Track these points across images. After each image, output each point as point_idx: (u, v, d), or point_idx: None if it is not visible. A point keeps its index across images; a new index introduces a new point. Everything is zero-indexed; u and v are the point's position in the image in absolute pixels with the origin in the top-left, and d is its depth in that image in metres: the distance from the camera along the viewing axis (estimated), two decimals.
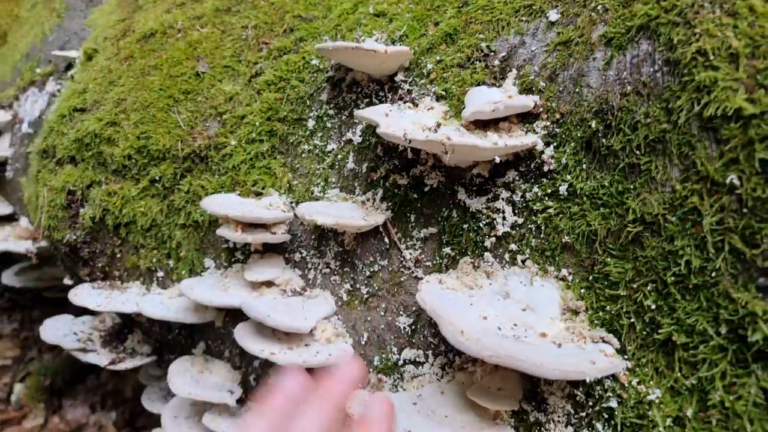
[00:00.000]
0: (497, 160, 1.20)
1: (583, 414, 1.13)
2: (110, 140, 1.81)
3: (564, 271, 1.20)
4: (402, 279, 1.43)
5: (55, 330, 1.95)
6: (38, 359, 3.79)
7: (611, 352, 1.06)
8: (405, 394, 1.31)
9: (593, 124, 1.16)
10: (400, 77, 1.51)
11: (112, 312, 1.71)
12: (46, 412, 3.53)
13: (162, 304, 1.68)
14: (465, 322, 1.11)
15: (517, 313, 1.17)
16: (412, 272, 1.42)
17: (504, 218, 1.29)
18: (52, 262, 2.65)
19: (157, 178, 1.76)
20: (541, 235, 1.23)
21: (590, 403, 1.12)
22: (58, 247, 1.90)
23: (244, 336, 1.45)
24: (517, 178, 1.28)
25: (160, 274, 1.81)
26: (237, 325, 1.51)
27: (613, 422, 1.09)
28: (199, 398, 1.58)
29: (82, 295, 1.77)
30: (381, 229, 1.48)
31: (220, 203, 1.57)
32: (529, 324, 1.15)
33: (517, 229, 1.27)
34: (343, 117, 1.60)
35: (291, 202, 1.63)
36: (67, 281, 2.37)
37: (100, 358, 1.82)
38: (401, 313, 1.42)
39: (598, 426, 1.10)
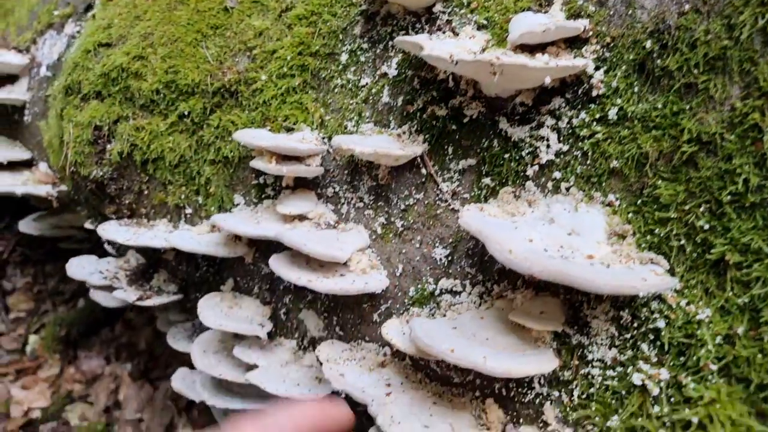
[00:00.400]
0: (547, 81, 1.17)
1: (628, 336, 1.13)
2: (137, 74, 1.78)
3: (611, 197, 1.19)
4: (438, 212, 1.42)
5: (81, 268, 1.94)
6: (52, 311, 3.81)
7: (661, 272, 1.06)
8: (443, 320, 1.31)
9: (647, 45, 1.14)
10: (438, 7, 1.48)
11: (140, 246, 1.70)
12: (61, 362, 3.57)
13: (192, 238, 1.68)
14: (511, 243, 1.10)
15: (563, 237, 1.17)
16: (449, 204, 1.41)
17: (548, 146, 1.27)
18: (71, 209, 2.64)
19: (186, 113, 1.74)
20: (588, 162, 1.22)
21: (635, 325, 1.12)
22: (84, 184, 1.88)
23: (279, 266, 1.44)
24: (563, 104, 1.26)
25: (188, 210, 1.79)
26: (269, 258, 1.50)
27: (659, 342, 1.09)
28: (230, 330, 1.59)
29: (110, 230, 1.77)
30: (417, 162, 1.46)
31: (253, 135, 1.55)
32: (575, 247, 1.14)
33: (562, 156, 1.25)
34: (378, 51, 1.57)
35: (323, 138, 1.61)
36: (88, 225, 2.36)
37: (128, 294, 1.82)
38: (437, 245, 1.42)
39: (644, 347, 1.11)
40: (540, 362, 1.13)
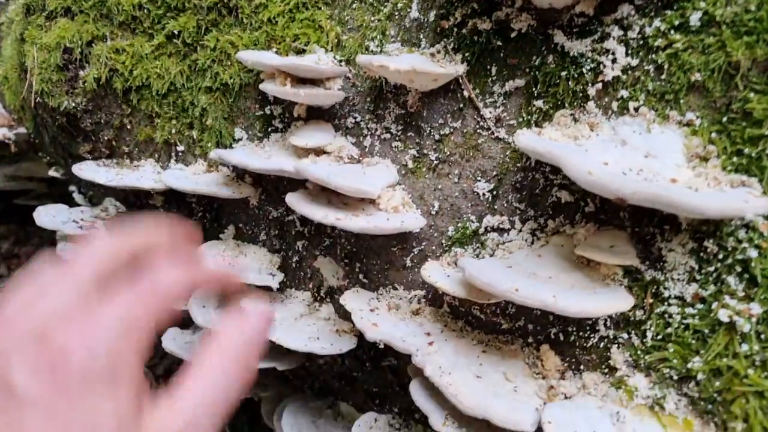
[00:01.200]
0: None
1: (711, 269, 1.01)
2: None
3: (690, 115, 1.05)
4: (479, 141, 1.27)
5: (51, 217, 1.70)
6: (8, 276, 3.49)
7: (758, 194, 0.94)
8: (495, 259, 1.17)
9: None
10: None
11: (126, 187, 1.48)
12: None
13: (188, 178, 1.47)
14: (590, 165, 0.95)
15: (640, 160, 1.03)
16: (492, 133, 1.25)
17: (614, 61, 1.12)
18: (31, 156, 2.36)
19: (176, 33, 1.50)
20: (662, 76, 1.07)
21: (720, 257, 1.00)
22: (53, 119, 1.63)
23: (299, 203, 1.26)
24: (632, 12, 1.10)
25: (181, 148, 1.57)
26: (284, 196, 1.31)
27: (747, 275, 0.98)
28: None
29: (87, 170, 1.53)
30: (452, 86, 1.29)
31: (261, 54, 1.34)
32: (655, 170, 1.01)
33: (630, 72, 1.11)
34: None
35: (340, 61, 1.41)
36: (53, 173, 2.11)
37: None
38: (479, 178, 1.26)
39: (730, 280, 0.99)
40: (616, 299, 1.01)
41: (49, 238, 3.70)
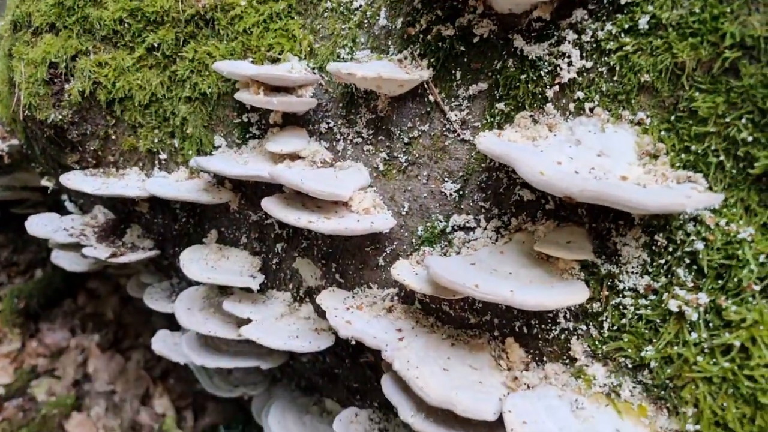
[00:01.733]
0: None
1: (662, 261, 1.06)
2: (97, 1, 1.57)
3: (641, 114, 1.09)
4: (446, 143, 1.31)
5: (43, 226, 1.76)
6: (8, 284, 3.55)
7: (702, 190, 0.98)
8: (460, 257, 1.21)
9: None
10: None
11: (112, 196, 1.53)
12: (22, 336, 3.35)
13: (170, 185, 1.52)
14: (542, 166, 1.00)
15: (592, 158, 1.07)
16: (458, 135, 1.30)
17: (570, 63, 1.16)
18: (24, 167, 2.42)
19: (156, 45, 1.55)
20: (614, 78, 1.12)
21: (670, 250, 1.05)
22: (41, 131, 1.68)
23: (274, 208, 1.31)
24: (585, 17, 1.15)
25: (163, 156, 1.63)
26: (260, 202, 1.36)
27: (696, 266, 1.03)
28: (220, 283, 1.46)
29: (75, 180, 1.58)
30: (420, 90, 1.34)
31: (236, 65, 1.39)
32: (607, 168, 1.05)
33: (585, 74, 1.15)
34: None
35: (313, 68, 1.46)
36: (45, 183, 2.16)
37: (99, 251, 1.65)
38: (446, 179, 1.31)
39: (679, 272, 1.04)
40: (572, 293, 1.05)
41: (45, 246, 3.76)
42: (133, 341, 3.50)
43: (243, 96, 1.36)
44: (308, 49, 1.46)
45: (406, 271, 1.24)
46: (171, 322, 3.46)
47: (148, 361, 3.39)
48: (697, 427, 1.00)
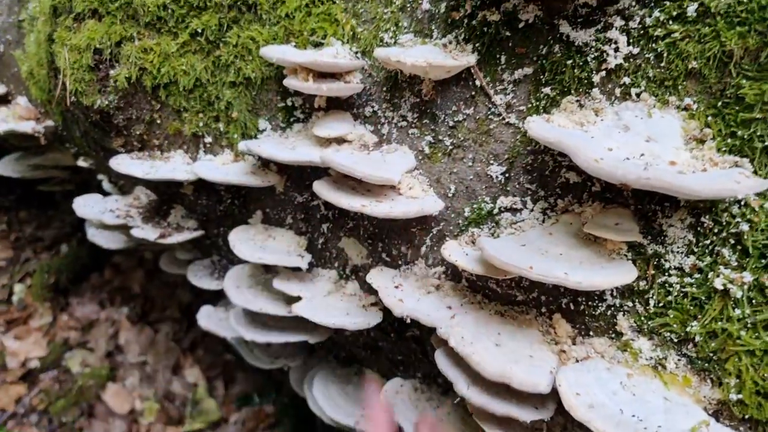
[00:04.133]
0: None
1: (707, 242, 1.11)
2: None
3: (687, 100, 1.13)
4: (491, 127, 1.35)
5: (89, 207, 1.81)
6: (35, 259, 3.64)
7: (749, 174, 1.03)
8: (509, 238, 1.27)
9: None
10: None
11: (161, 180, 1.58)
12: (53, 310, 3.45)
13: (218, 169, 1.57)
14: (596, 153, 1.05)
15: (641, 144, 1.12)
16: (503, 118, 1.34)
17: (617, 49, 1.19)
18: (57, 147, 2.46)
19: (199, 31, 1.57)
20: (662, 64, 1.15)
21: (716, 231, 1.10)
22: (86, 116, 1.72)
23: (326, 191, 1.36)
24: (633, 3, 1.17)
25: (208, 139, 1.67)
26: (312, 183, 1.41)
27: (740, 247, 1.08)
28: (269, 262, 1.52)
29: (124, 164, 1.63)
30: (464, 74, 1.37)
31: (283, 50, 1.42)
32: (656, 154, 1.10)
33: (632, 60, 1.19)
34: None
35: (356, 52, 1.49)
36: (81, 163, 2.21)
37: (147, 232, 1.71)
38: (492, 162, 1.35)
39: (724, 252, 1.09)
40: (622, 273, 1.11)
41: (69, 222, 3.84)
42: (160, 314, 3.60)
43: (292, 83, 1.40)
44: (351, 33, 1.49)
45: (456, 252, 1.30)
46: (197, 295, 3.55)
47: (176, 333, 3.50)
48: (740, 396, 1.07)
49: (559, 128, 1.16)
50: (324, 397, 1.74)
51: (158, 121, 1.70)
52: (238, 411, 3.11)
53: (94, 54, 1.62)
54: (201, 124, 1.65)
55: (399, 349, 1.69)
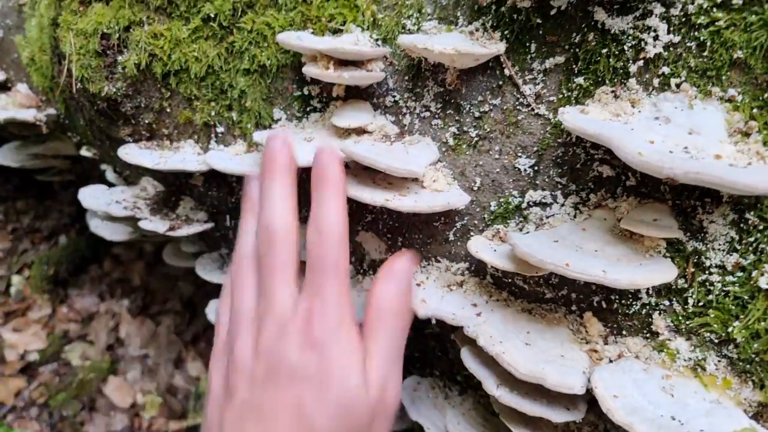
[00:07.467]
0: None
1: (751, 239, 1.07)
2: None
3: (731, 91, 1.09)
4: (519, 118, 1.30)
5: (95, 198, 1.75)
6: (33, 251, 3.57)
7: None
8: (541, 233, 1.22)
9: None
10: None
11: (171, 170, 1.52)
12: (52, 302, 3.39)
13: (231, 159, 1.51)
14: (638, 146, 1.00)
15: (684, 136, 1.07)
16: (532, 109, 1.29)
17: (656, 38, 1.14)
18: (58, 136, 2.39)
19: (212, 16, 1.51)
20: (704, 53, 1.10)
21: (760, 228, 1.06)
22: (93, 104, 1.65)
23: (347, 185, 1.31)
24: None
25: (220, 129, 1.61)
26: None
27: None
28: None
29: (133, 154, 1.57)
30: (491, 63, 1.32)
31: (300, 37, 1.36)
32: (699, 147, 1.05)
33: (672, 49, 1.14)
34: None
35: (376, 40, 1.43)
36: (84, 153, 2.14)
37: (156, 224, 1.65)
38: (519, 154, 1.30)
39: None
40: (662, 271, 1.07)
41: (68, 213, 3.77)
42: (161, 307, 3.55)
43: (311, 70, 1.34)
44: (371, 19, 1.43)
45: (483, 248, 1.25)
46: (198, 288, 3.49)
47: (178, 326, 3.45)
48: None
49: (597, 120, 1.11)
50: None
51: (168, 110, 1.63)
52: None
53: (102, 39, 1.55)
54: (213, 113, 1.59)
55: (416, 346, 1.65)
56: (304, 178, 1.53)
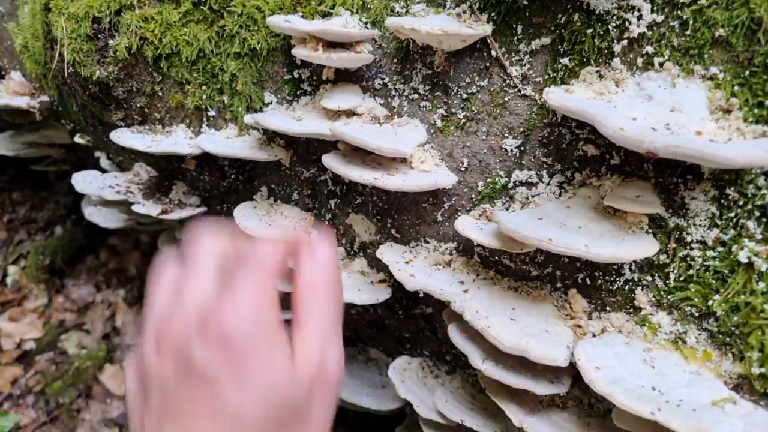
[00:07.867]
0: None
1: (731, 215, 1.09)
2: None
3: (713, 69, 1.10)
4: (506, 99, 1.32)
5: (89, 183, 1.77)
6: (29, 241, 3.58)
7: None
8: (526, 212, 1.24)
9: None
10: None
11: (163, 153, 1.54)
12: (48, 292, 3.40)
13: (223, 142, 1.52)
14: (620, 122, 1.02)
15: (666, 114, 1.09)
16: (519, 90, 1.30)
17: (640, 17, 1.16)
18: (52, 124, 2.40)
19: (202, 0, 1.52)
20: (687, 32, 1.12)
21: (740, 203, 1.08)
22: (85, 88, 1.66)
23: (336, 165, 1.32)
24: None
25: (212, 113, 1.62)
26: (322, 157, 1.38)
27: (766, 219, 1.06)
28: None
29: (125, 137, 1.58)
30: (478, 45, 1.33)
31: (289, 19, 1.37)
32: (681, 123, 1.07)
33: (655, 28, 1.15)
34: None
35: (365, 22, 1.44)
36: (78, 140, 2.15)
37: (149, 208, 1.67)
38: (506, 135, 1.32)
39: (749, 224, 1.07)
40: (643, 245, 1.09)
41: (64, 203, 3.77)
42: None
43: (301, 52, 1.35)
44: (360, 2, 1.44)
45: (470, 226, 1.27)
46: None
47: None
48: (762, 369, 1.06)
49: (580, 98, 1.12)
50: None
51: (160, 94, 1.64)
52: None
53: (93, 23, 1.56)
54: (204, 96, 1.61)
55: (406, 327, 1.67)
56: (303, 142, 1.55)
